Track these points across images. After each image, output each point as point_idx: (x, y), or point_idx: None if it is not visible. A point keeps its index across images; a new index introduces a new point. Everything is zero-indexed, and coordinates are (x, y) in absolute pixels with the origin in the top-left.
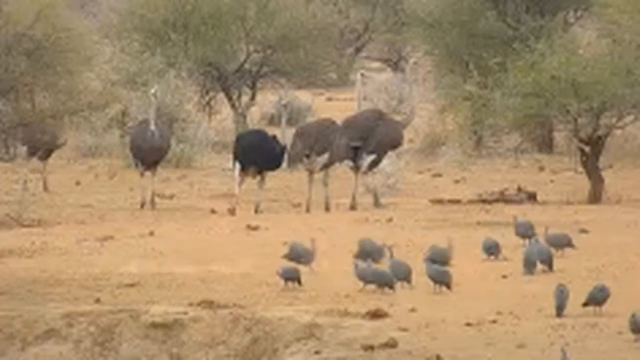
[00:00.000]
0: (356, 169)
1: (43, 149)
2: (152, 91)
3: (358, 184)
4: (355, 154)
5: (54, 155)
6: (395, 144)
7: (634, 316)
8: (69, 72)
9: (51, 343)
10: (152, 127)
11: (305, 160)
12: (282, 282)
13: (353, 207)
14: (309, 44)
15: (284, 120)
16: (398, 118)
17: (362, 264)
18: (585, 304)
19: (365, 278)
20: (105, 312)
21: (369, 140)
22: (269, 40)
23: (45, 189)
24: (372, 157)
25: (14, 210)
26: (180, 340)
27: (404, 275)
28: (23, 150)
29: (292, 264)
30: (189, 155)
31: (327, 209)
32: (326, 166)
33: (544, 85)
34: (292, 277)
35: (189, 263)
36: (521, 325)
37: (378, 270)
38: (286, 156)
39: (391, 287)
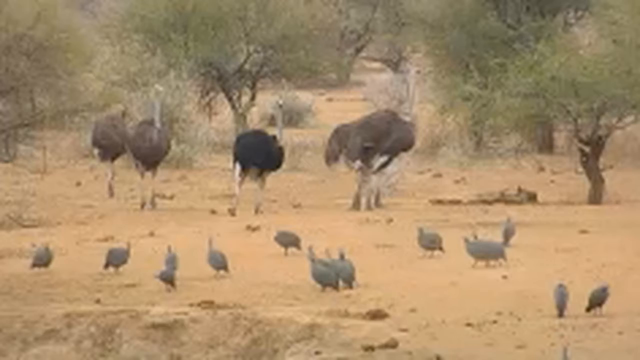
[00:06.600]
0: (367, 168)
1: (113, 150)
2: (157, 85)
3: (362, 184)
4: (366, 154)
5: (54, 156)
6: (407, 145)
7: None
8: (69, 72)
9: (51, 343)
10: (158, 125)
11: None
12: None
13: (354, 207)
14: (309, 44)
15: (279, 120)
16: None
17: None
18: (589, 308)
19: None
20: (105, 312)
21: (382, 141)
22: (269, 40)
23: (111, 194)
24: (384, 158)
25: (14, 210)
26: (180, 340)
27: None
28: (95, 152)
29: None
30: (189, 156)
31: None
32: (383, 165)
33: (544, 85)
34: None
35: (189, 263)
36: (521, 325)
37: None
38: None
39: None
